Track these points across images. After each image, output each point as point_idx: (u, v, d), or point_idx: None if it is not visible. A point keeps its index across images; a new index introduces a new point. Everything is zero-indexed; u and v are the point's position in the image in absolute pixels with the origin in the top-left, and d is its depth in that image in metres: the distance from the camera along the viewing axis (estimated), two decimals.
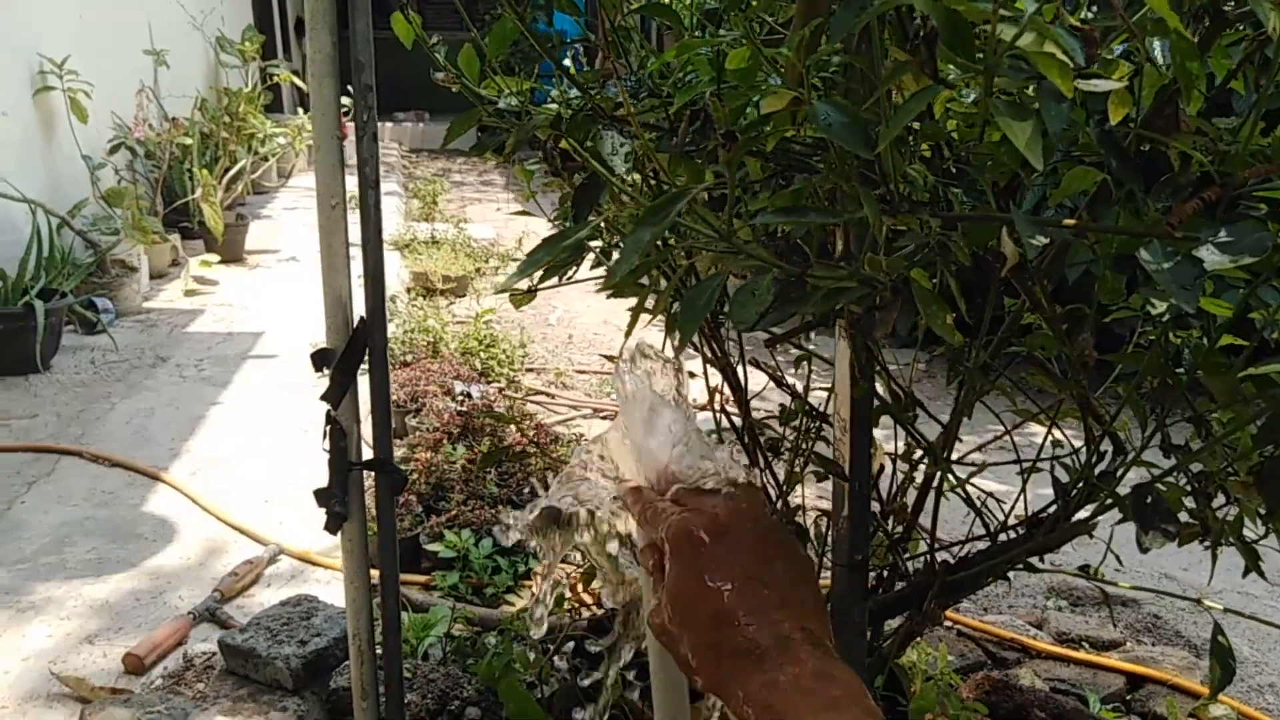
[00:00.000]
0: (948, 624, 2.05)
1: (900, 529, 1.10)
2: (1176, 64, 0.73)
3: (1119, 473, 1.06)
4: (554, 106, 1.02)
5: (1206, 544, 1.03)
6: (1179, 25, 0.61)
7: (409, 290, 4.98)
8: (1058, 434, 1.13)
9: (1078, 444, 1.09)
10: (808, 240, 0.89)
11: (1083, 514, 1.08)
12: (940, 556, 1.06)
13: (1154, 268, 0.68)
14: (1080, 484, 1.08)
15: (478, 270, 5.39)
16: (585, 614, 1.69)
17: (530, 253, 0.61)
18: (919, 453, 1.07)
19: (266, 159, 6.87)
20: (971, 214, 0.78)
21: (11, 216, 4.09)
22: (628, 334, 0.69)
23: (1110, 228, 0.74)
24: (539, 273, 1.42)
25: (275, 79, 7.79)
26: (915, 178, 0.80)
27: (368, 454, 1.37)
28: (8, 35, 4.40)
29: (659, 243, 0.67)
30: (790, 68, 0.71)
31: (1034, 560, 1.00)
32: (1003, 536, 1.10)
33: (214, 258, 5.31)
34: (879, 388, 1.04)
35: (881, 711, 0.51)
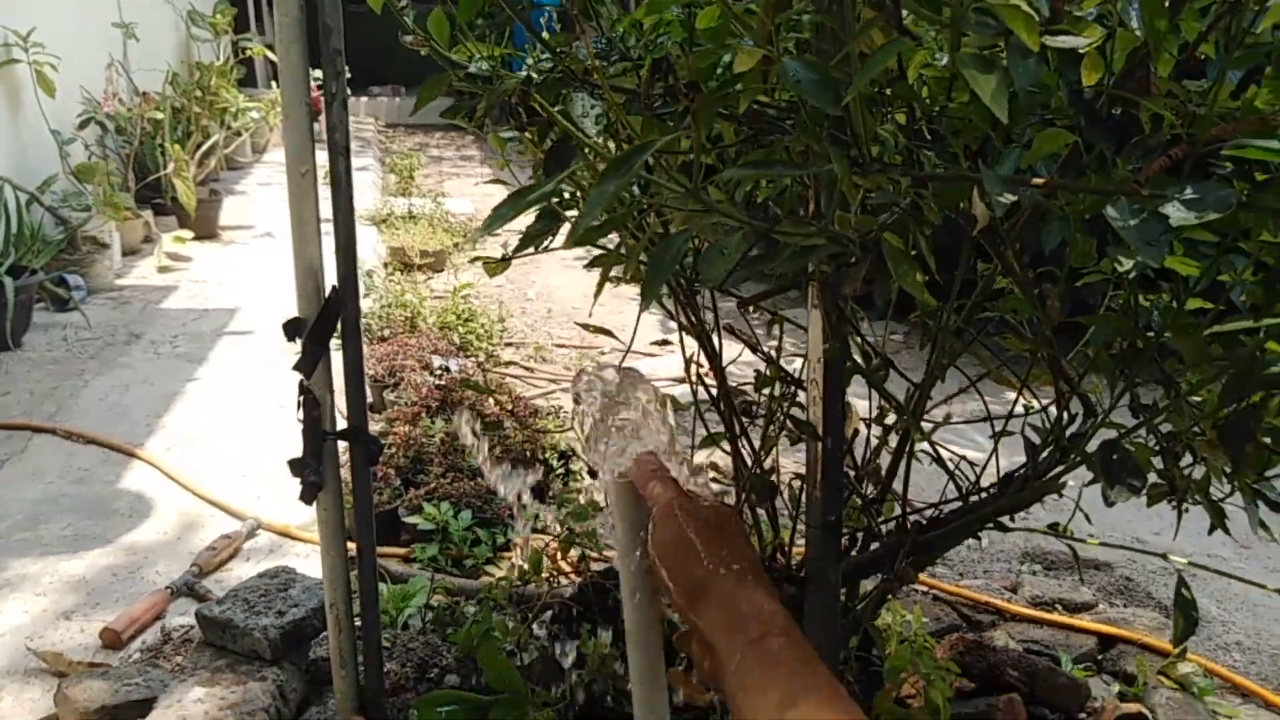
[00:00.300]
0: (923, 589, 2.08)
1: (874, 491, 1.11)
2: (1146, 23, 0.73)
3: (1089, 433, 1.07)
4: (525, 72, 1.01)
5: (1174, 503, 1.05)
6: None
7: (386, 265, 4.95)
8: (1031, 399, 1.14)
9: (1051, 411, 1.11)
10: (779, 203, 0.89)
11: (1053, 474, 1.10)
12: (914, 518, 1.07)
13: (1120, 224, 0.69)
14: (1051, 444, 1.10)
15: (455, 245, 5.35)
16: (564, 582, 1.69)
17: (496, 208, 0.61)
18: (892, 415, 1.08)
19: (240, 134, 6.77)
20: (942, 173, 0.78)
21: None
22: (595, 295, 0.68)
23: (1079, 186, 0.74)
24: (515, 243, 1.41)
25: (248, 53, 7.66)
26: (886, 138, 0.80)
27: (343, 425, 1.36)
28: None
29: (628, 199, 0.67)
30: (760, 25, 0.71)
31: (1005, 520, 1.02)
32: (975, 499, 1.12)
33: (187, 234, 5.24)
34: (853, 353, 1.05)
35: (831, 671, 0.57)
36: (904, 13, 0.63)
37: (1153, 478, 1.01)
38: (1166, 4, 0.79)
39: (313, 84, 1.28)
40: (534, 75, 0.89)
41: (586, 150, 0.64)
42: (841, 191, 0.75)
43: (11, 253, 3.85)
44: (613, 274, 1.02)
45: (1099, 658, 1.84)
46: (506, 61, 1.10)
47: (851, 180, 0.74)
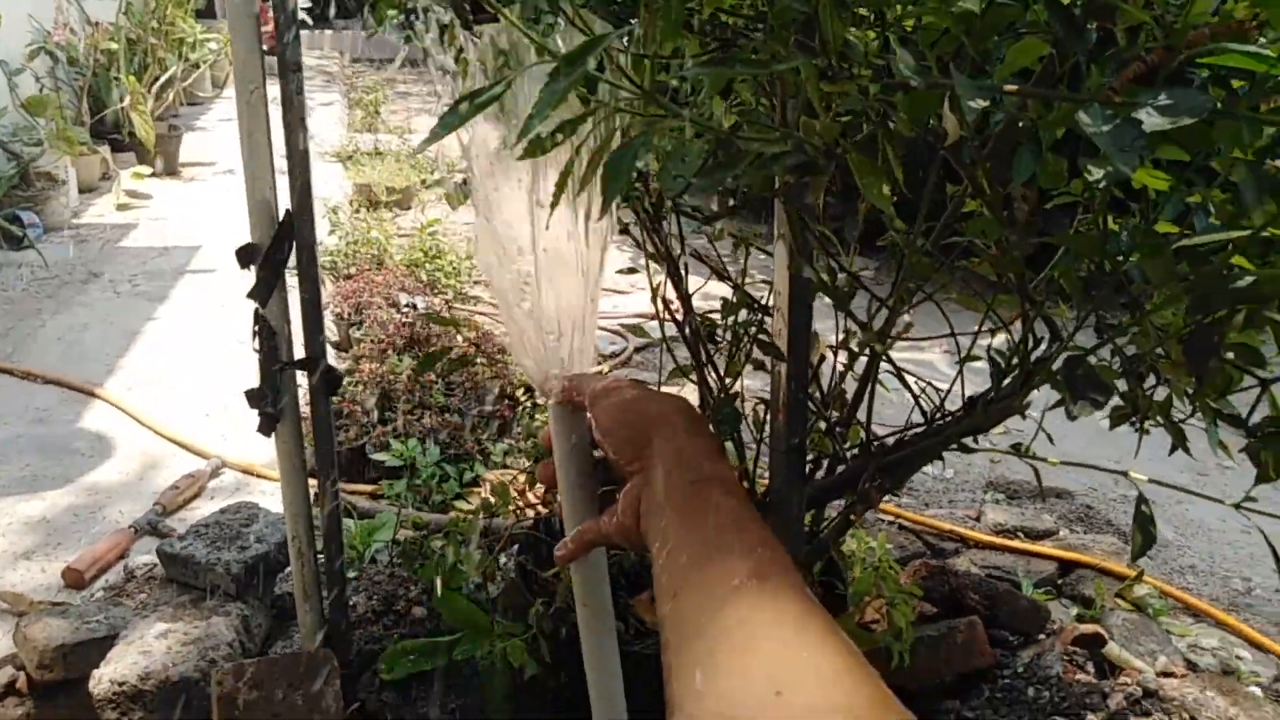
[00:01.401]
0: (888, 518, 2.10)
1: (839, 415, 1.10)
2: None
3: (1053, 356, 1.06)
4: None
5: (1135, 425, 1.05)
6: None
7: (352, 202, 4.85)
8: (996, 324, 1.13)
9: (1016, 334, 1.10)
10: (745, 116, 0.86)
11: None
12: (878, 442, 1.06)
13: (1093, 130, 0.67)
14: (1016, 367, 1.09)
15: (423, 181, 5.25)
16: (530, 514, 1.68)
17: (443, 115, 0.58)
18: (858, 338, 1.06)
19: (198, 66, 6.56)
20: (911, 79, 0.75)
21: None
22: (552, 207, 0.66)
23: (1052, 94, 0.72)
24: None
25: None
26: (855, 44, 0.77)
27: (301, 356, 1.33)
28: None
29: (579, 103, 0.64)
30: None
31: (969, 442, 1.01)
32: (940, 422, 1.11)
33: (146, 170, 5.11)
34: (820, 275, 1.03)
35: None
36: None
37: (1116, 401, 1.00)
38: None
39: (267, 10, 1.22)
40: None
41: (535, 46, 0.61)
42: (808, 100, 0.72)
43: None
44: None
45: (1059, 582, 1.88)
46: None
47: (818, 85, 0.71)
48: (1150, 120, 0.67)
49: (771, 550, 0.50)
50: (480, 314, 3.53)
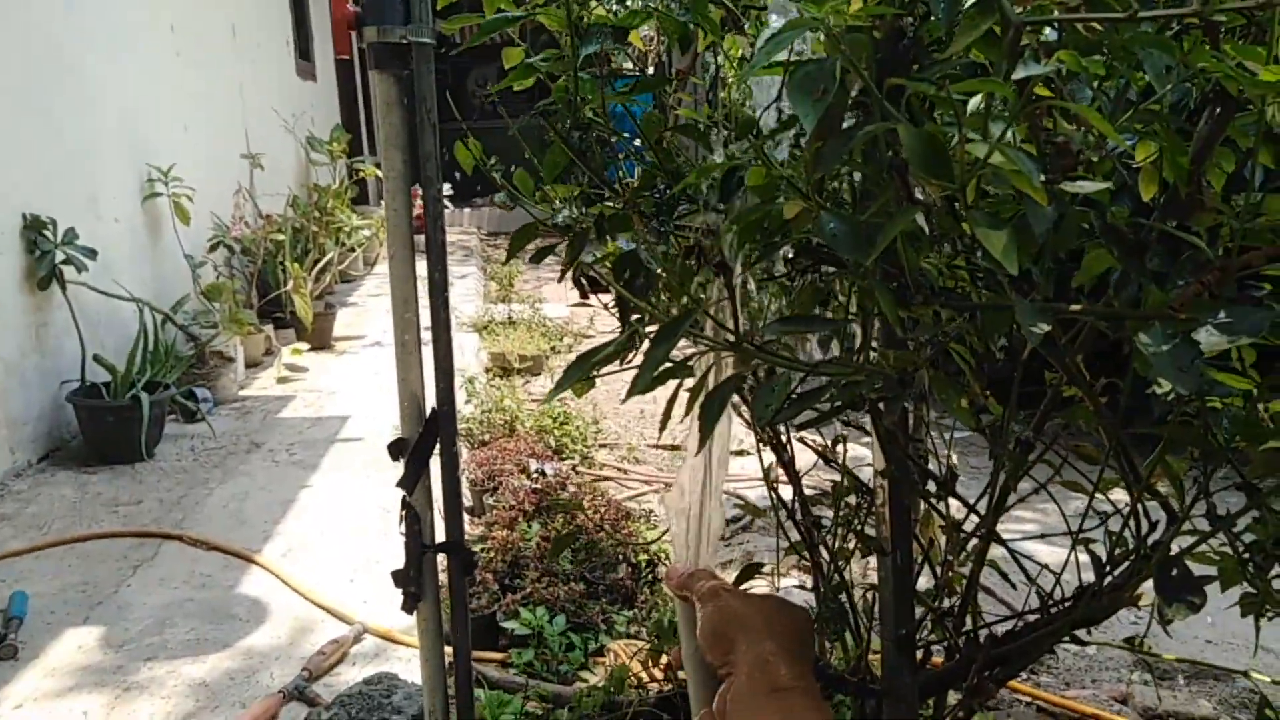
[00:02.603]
0: (1025, 699, 2.01)
1: (950, 602, 1.12)
2: (1168, 160, 0.78)
3: (1167, 540, 1.06)
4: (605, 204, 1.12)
5: (1265, 614, 1.03)
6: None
7: (487, 370, 5.15)
8: (1107, 504, 1.14)
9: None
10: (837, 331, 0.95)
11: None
12: (987, 631, 1.07)
13: (1152, 351, 0.72)
14: (1133, 555, 1.09)
15: (553, 349, 5.54)
16: (654, 689, 1.72)
17: (567, 370, 0.69)
18: (966, 524, 1.10)
19: (353, 250, 7.23)
20: (979, 303, 0.83)
21: (121, 314, 4.41)
22: (661, 428, 0.75)
23: (1114, 312, 0.78)
24: (596, 358, 1.50)
25: (360, 174, 8.25)
26: (929, 271, 0.86)
27: (441, 536, 1.45)
28: (125, 150, 4.81)
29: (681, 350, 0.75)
30: (802, 181, 0.78)
31: (1080, 634, 1.01)
32: (1053, 609, 1.11)
33: (304, 345, 5.59)
34: (919, 466, 1.08)
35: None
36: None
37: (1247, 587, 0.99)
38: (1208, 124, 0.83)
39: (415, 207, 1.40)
40: (605, 212, 0.99)
41: (638, 308, 0.73)
42: (888, 322, 0.80)
43: (148, 370, 4.19)
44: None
45: None
46: (590, 198, 1.21)
47: (898, 314, 0.79)
48: (1209, 339, 0.72)
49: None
50: (605, 478, 3.65)
